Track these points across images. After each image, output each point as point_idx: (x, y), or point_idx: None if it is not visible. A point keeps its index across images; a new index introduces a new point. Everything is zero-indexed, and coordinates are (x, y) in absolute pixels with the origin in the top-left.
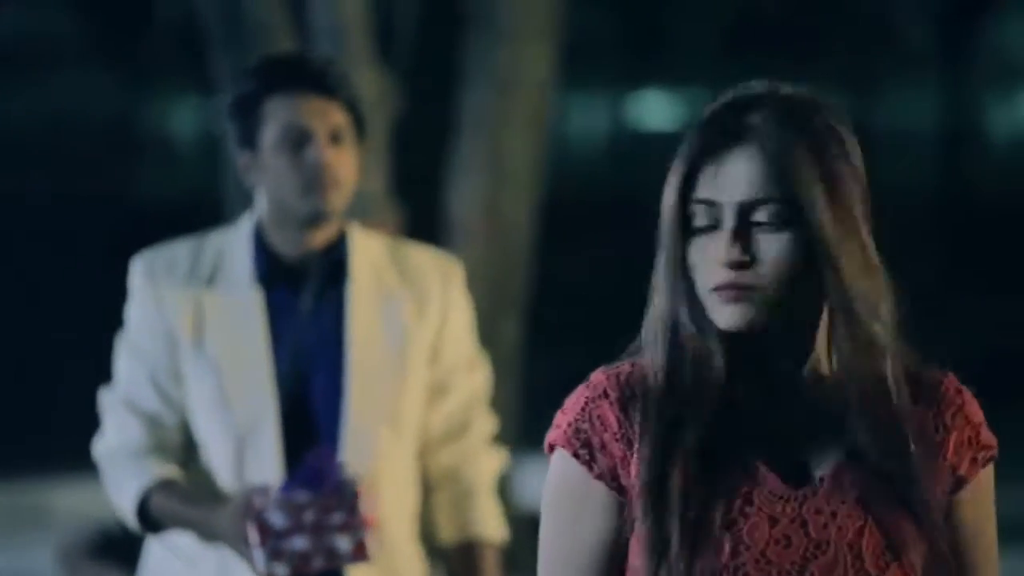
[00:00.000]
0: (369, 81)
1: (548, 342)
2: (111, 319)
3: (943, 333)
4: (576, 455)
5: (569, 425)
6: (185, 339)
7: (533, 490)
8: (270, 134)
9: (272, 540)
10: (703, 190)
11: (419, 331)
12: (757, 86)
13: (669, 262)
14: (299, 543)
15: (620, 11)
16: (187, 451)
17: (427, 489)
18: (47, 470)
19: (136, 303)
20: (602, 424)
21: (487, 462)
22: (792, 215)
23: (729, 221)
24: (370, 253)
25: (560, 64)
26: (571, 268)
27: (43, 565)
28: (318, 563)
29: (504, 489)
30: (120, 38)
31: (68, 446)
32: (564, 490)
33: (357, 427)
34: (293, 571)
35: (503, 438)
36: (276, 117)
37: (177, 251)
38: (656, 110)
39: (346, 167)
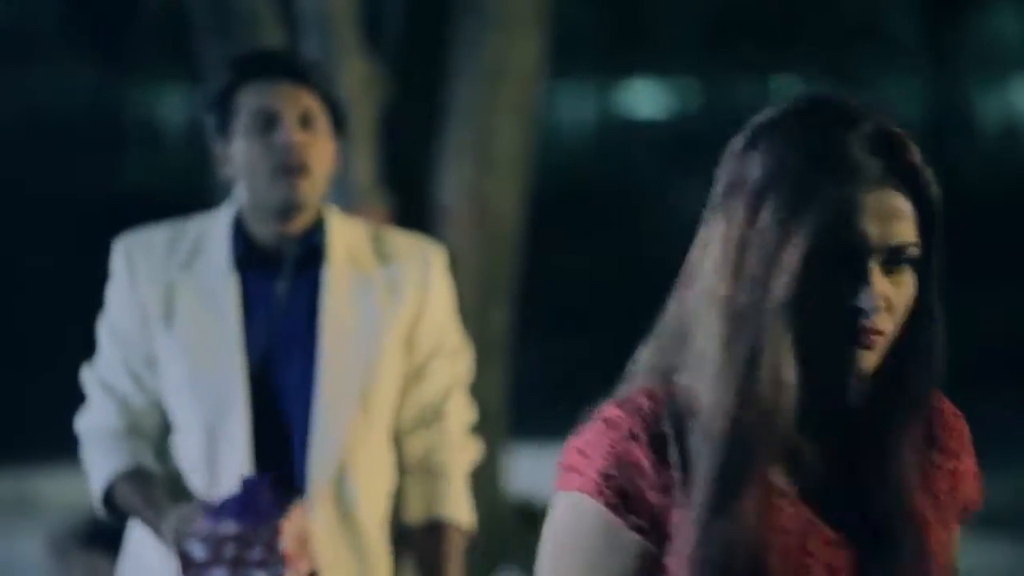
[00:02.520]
0: (357, 70)
1: (537, 330)
2: (96, 308)
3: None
4: (609, 505)
5: (599, 473)
6: (157, 322)
7: (522, 478)
8: (241, 121)
9: (193, 570)
10: (850, 230)
11: (394, 316)
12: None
13: (775, 303)
14: (219, 575)
15: (605, 0)
16: (163, 434)
17: (399, 473)
18: (34, 459)
19: (114, 285)
20: (636, 471)
21: (461, 451)
22: (915, 259)
23: (872, 264)
24: (348, 238)
25: (548, 53)
26: (560, 256)
27: (32, 554)
28: None
29: (493, 477)
30: (106, 28)
31: (55, 435)
32: (589, 537)
33: (327, 412)
34: None
35: (492, 427)
36: (247, 104)
37: (156, 234)
38: (643, 99)
39: (319, 154)
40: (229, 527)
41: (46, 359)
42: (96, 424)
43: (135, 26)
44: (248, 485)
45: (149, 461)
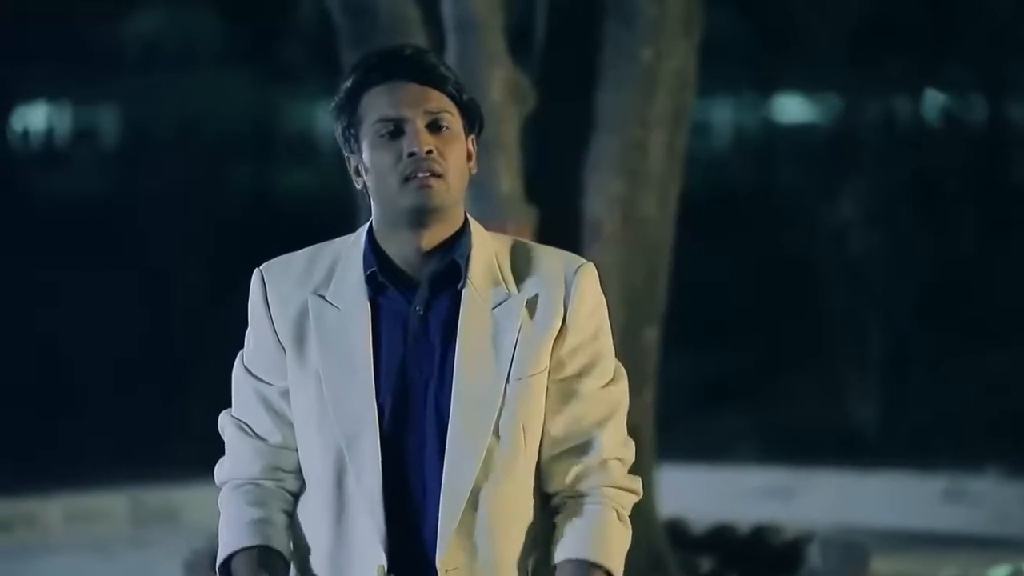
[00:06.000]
0: (502, 79)
1: (681, 343)
2: (246, 323)
3: None
4: None
5: None
6: (290, 349)
7: (668, 499)
8: (368, 128)
9: None
10: None
11: (537, 338)
12: None
13: None
14: None
15: (750, 11)
16: (300, 470)
17: (543, 505)
18: (181, 475)
19: (250, 316)
20: None
21: (617, 489)
22: None
23: None
24: (488, 254)
25: (699, 63)
26: (701, 266)
27: (171, 571)
28: None
29: (644, 497)
30: (257, 38)
31: (202, 451)
32: None
33: (463, 437)
34: None
35: (644, 449)
36: (372, 110)
37: (293, 261)
38: (787, 110)
39: (451, 158)
40: None
41: (197, 374)
42: (233, 472)
43: (287, 36)
44: None
45: (277, 540)
